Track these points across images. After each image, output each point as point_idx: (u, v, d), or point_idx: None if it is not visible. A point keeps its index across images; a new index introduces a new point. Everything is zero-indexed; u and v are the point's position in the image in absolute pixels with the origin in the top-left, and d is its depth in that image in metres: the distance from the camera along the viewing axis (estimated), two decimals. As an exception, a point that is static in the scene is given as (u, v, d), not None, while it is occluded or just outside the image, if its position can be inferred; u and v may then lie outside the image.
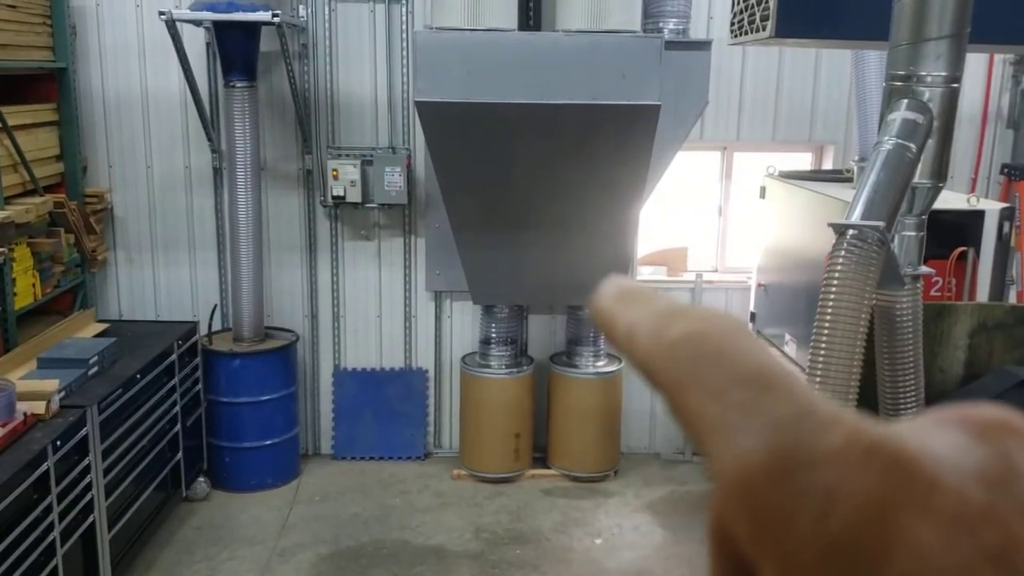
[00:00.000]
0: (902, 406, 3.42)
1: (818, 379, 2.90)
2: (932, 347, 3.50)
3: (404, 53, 6.05)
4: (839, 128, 6.37)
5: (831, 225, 2.91)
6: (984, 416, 0.31)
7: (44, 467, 3.97)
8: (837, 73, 6.21)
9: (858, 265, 2.85)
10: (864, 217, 2.90)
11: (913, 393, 3.41)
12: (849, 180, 5.50)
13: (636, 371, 0.36)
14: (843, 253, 2.86)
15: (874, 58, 5.14)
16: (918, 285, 3.29)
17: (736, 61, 6.16)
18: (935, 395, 3.51)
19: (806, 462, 0.30)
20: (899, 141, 2.99)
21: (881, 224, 2.84)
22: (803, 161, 6.62)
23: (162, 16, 5.23)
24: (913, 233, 3.23)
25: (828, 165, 6.50)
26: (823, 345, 2.88)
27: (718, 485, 0.32)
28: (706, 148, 6.51)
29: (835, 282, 2.87)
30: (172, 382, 5.43)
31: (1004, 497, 0.29)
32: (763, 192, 5.99)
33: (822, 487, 0.29)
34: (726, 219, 6.71)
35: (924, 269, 3.28)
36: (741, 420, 0.31)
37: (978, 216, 4.63)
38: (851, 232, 2.87)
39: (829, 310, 2.87)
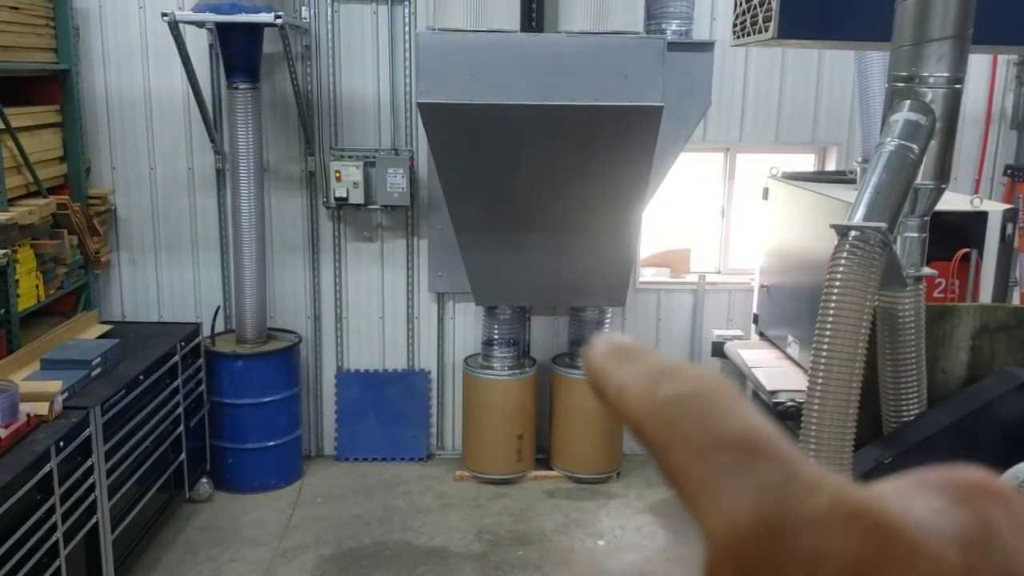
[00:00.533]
0: (904, 408, 3.42)
1: (820, 381, 2.90)
2: (934, 349, 3.49)
3: (407, 54, 6.05)
4: (842, 129, 6.36)
5: (833, 226, 2.91)
6: (965, 479, 0.32)
7: (47, 468, 3.98)
8: (840, 74, 6.21)
9: (860, 266, 2.85)
10: (866, 218, 2.90)
11: (915, 395, 3.41)
12: (852, 181, 5.49)
13: (627, 429, 0.36)
14: (845, 254, 2.86)
15: (877, 59, 5.13)
16: (920, 286, 3.28)
17: (739, 62, 6.16)
18: (937, 397, 3.50)
19: (792, 525, 0.31)
20: (901, 142, 2.99)
21: (883, 225, 2.84)
22: (806, 162, 6.61)
23: (165, 17, 5.24)
24: (916, 234, 3.23)
25: (831, 166, 6.50)
26: (825, 347, 2.88)
27: (708, 546, 0.32)
28: (709, 149, 6.51)
29: (837, 283, 2.87)
30: (175, 383, 5.44)
31: (982, 561, 0.30)
32: (766, 193, 5.98)
33: (808, 550, 0.30)
34: (729, 221, 6.70)
35: (927, 270, 3.28)
36: (728, 483, 0.32)
37: (981, 217, 4.62)
38: (853, 233, 2.87)
39: (831, 311, 2.87)
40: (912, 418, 3.39)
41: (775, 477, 0.32)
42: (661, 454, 0.34)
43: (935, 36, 2.98)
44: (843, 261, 2.86)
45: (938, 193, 3.17)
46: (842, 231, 2.89)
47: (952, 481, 0.32)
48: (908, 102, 3.05)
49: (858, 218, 2.90)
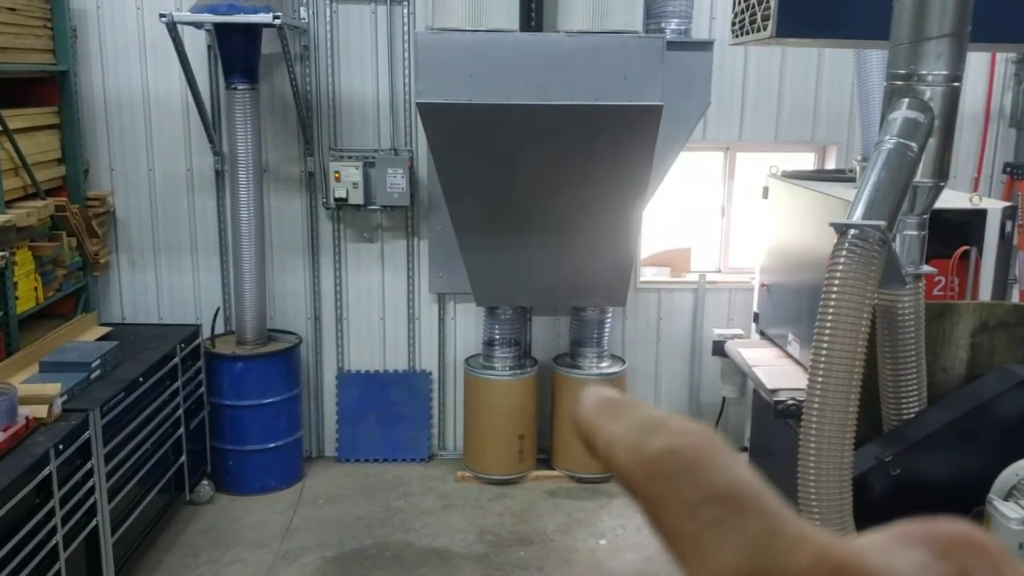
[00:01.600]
0: (904, 406, 3.41)
1: (820, 380, 2.90)
2: (934, 347, 3.48)
3: (406, 54, 6.05)
4: (841, 128, 6.36)
5: (832, 225, 2.90)
6: (946, 532, 0.33)
7: (46, 471, 3.97)
8: (839, 73, 6.20)
9: (859, 265, 2.84)
10: (865, 217, 2.89)
11: (915, 393, 3.40)
12: (852, 180, 5.48)
13: (617, 483, 0.37)
14: (844, 253, 2.86)
15: (876, 57, 5.12)
16: (920, 284, 3.28)
17: (738, 61, 6.15)
18: (937, 394, 3.49)
19: None
20: (900, 140, 2.98)
21: (882, 223, 2.84)
22: (806, 161, 6.60)
23: (163, 18, 5.24)
24: (915, 232, 3.23)
25: (831, 165, 6.49)
26: (825, 345, 2.87)
27: None
28: (708, 148, 6.50)
29: (836, 282, 2.86)
30: (175, 385, 5.43)
31: None
32: (766, 192, 5.98)
33: None
34: (729, 219, 6.69)
35: (926, 268, 3.27)
36: (715, 537, 0.33)
37: (980, 215, 4.61)
38: (852, 232, 2.86)
39: (831, 310, 2.87)
40: (912, 416, 3.38)
41: (760, 532, 0.32)
42: (650, 509, 0.35)
43: (933, 34, 2.97)
44: (842, 259, 2.85)
45: (937, 191, 3.17)
46: (841, 229, 2.89)
47: (934, 534, 0.33)
48: (907, 100, 3.04)
49: (857, 216, 2.90)
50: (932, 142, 3.05)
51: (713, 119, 6.17)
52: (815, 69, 6.26)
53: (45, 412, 4.25)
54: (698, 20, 5.82)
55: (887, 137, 3.01)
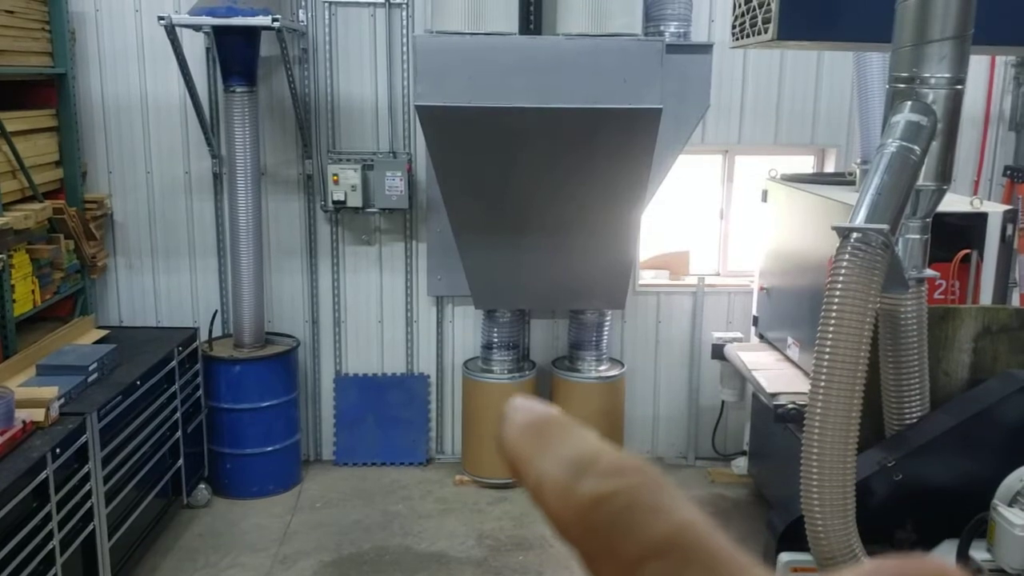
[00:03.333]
0: (907, 410, 3.40)
1: (822, 384, 2.88)
2: (937, 351, 3.47)
3: (405, 57, 6.03)
4: (841, 131, 6.35)
5: (835, 228, 2.89)
6: (920, 571, 0.31)
7: (43, 475, 3.94)
8: (839, 75, 6.20)
9: (862, 268, 2.83)
10: (868, 220, 2.88)
11: (918, 397, 3.39)
12: (852, 183, 5.48)
13: (549, 526, 0.34)
14: (847, 256, 2.85)
15: (876, 60, 5.12)
16: (922, 288, 3.27)
17: (737, 64, 6.15)
18: (940, 399, 3.48)
19: None
20: (903, 143, 2.97)
21: (885, 227, 2.82)
22: (805, 164, 6.60)
23: (161, 21, 5.22)
24: (917, 236, 3.22)
25: (830, 168, 6.48)
26: (827, 349, 2.86)
27: None
28: (707, 151, 6.49)
29: (839, 285, 2.85)
30: (172, 388, 5.41)
31: None
32: (765, 195, 5.97)
33: None
34: (728, 222, 6.68)
35: (928, 272, 3.26)
36: None
37: (981, 218, 4.61)
38: (855, 235, 2.85)
39: (833, 313, 2.85)
40: (915, 421, 3.37)
41: None
42: (587, 562, 0.32)
43: (936, 37, 2.96)
44: (845, 263, 2.84)
45: (939, 194, 3.16)
46: (844, 233, 2.87)
47: (907, 573, 0.31)
48: (909, 103, 3.03)
49: (860, 220, 2.89)
50: (935, 145, 3.04)
51: (712, 122, 6.16)
52: (814, 71, 6.26)
53: (42, 415, 4.22)
54: (697, 23, 5.82)
55: (889, 140, 3.00)
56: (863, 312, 2.82)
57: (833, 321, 2.84)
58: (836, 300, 2.83)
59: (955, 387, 3.53)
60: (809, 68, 6.24)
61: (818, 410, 2.88)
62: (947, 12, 2.94)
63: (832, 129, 6.35)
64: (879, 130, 5.12)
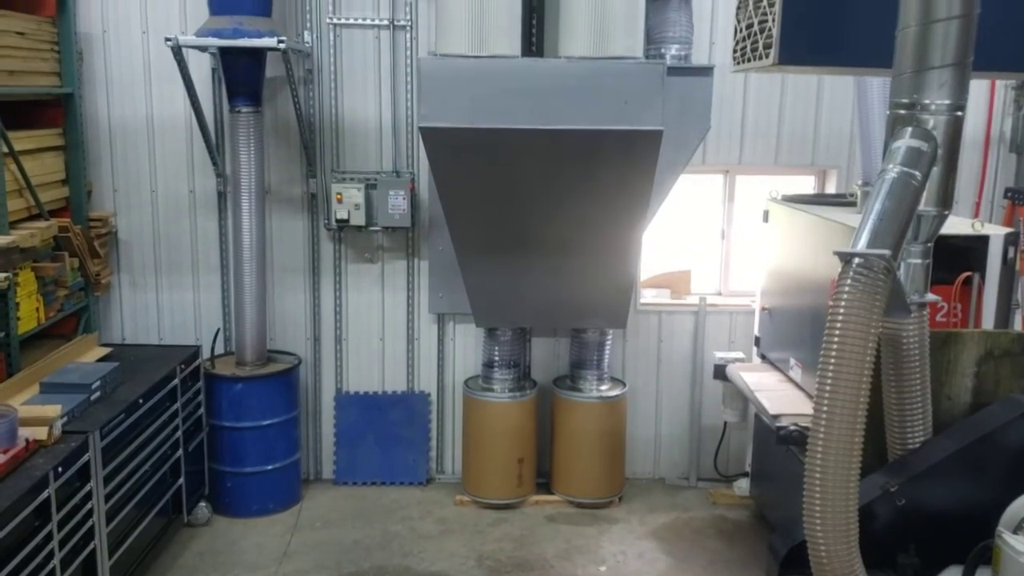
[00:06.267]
0: (910, 435, 3.40)
1: (825, 409, 2.88)
2: (939, 375, 3.48)
3: (408, 78, 6.08)
4: (842, 152, 6.38)
5: (837, 253, 2.90)
6: None
7: (45, 494, 3.94)
8: (839, 97, 6.23)
9: (864, 293, 2.84)
10: (870, 245, 2.90)
11: (921, 422, 3.39)
12: (853, 204, 5.50)
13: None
14: (849, 281, 2.86)
15: (876, 83, 5.15)
16: (924, 313, 3.28)
17: (738, 85, 6.19)
18: (943, 423, 3.48)
19: None
20: (904, 169, 2.99)
21: (887, 253, 2.84)
22: (806, 184, 6.63)
23: (168, 42, 5.26)
24: (919, 260, 3.23)
25: (831, 188, 6.51)
26: (830, 374, 2.86)
27: None
28: (709, 172, 6.52)
29: (841, 310, 2.86)
30: (174, 407, 5.41)
31: None
32: (766, 216, 6.00)
33: None
34: (729, 242, 6.70)
35: (931, 296, 3.27)
36: None
37: (983, 241, 4.62)
38: (857, 260, 2.86)
39: (836, 338, 2.86)
40: (917, 445, 3.37)
41: None
42: None
43: (936, 64, 2.99)
44: (847, 288, 2.85)
45: (941, 219, 3.18)
46: (846, 258, 2.89)
47: None
48: (910, 129, 3.06)
49: (862, 245, 2.90)
50: (936, 171, 3.06)
51: (713, 143, 6.19)
52: (815, 93, 6.30)
53: (45, 434, 4.22)
54: (698, 45, 5.85)
55: (891, 165, 3.02)
56: (865, 337, 2.83)
57: (835, 346, 2.84)
58: (838, 325, 2.84)
59: (958, 411, 3.53)
60: (810, 90, 6.28)
61: (821, 435, 2.88)
62: (947, 39, 2.97)
63: (833, 150, 6.38)
64: (879, 152, 5.15)
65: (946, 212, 3.16)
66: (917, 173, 2.99)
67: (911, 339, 3.25)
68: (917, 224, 3.13)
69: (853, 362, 2.83)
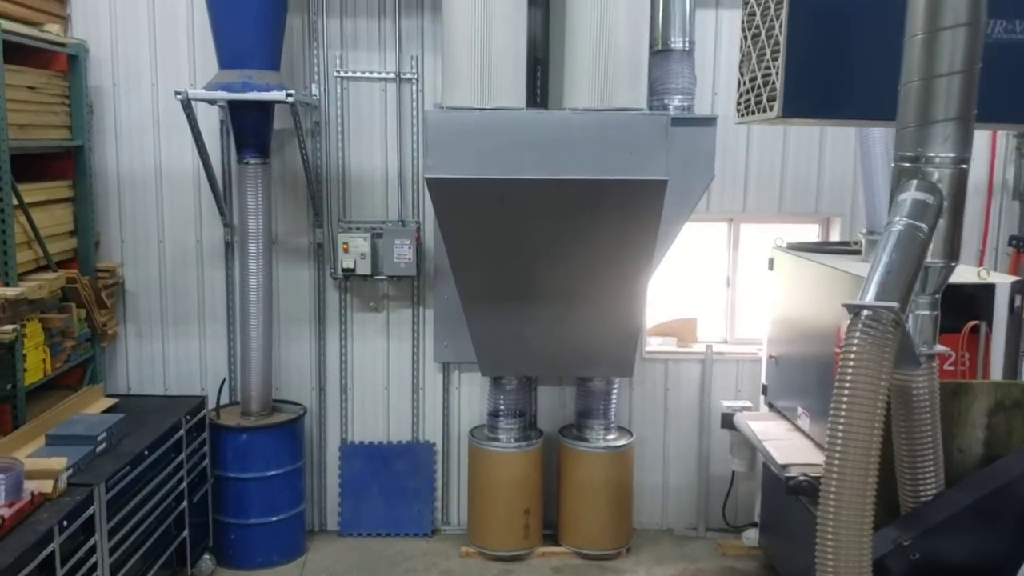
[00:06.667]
0: (922, 488, 3.36)
1: (837, 462, 2.86)
2: (950, 427, 3.45)
3: (414, 129, 6.15)
4: (845, 200, 6.42)
5: (845, 305, 2.90)
6: None
7: (50, 548, 3.91)
8: (842, 145, 6.29)
9: (873, 346, 2.83)
10: (878, 298, 2.89)
11: (933, 474, 3.35)
12: (857, 252, 5.52)
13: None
14: (858, 334, 2.85)
15: (878, 132, 5.20)
16: (934, 364, 3.26)
17: (741, 135, 6.25)
18: (955, 475, 3.45)
19: None
20: (910, 221, 3.00)
21: (895, 305, 2.84)
22: (810, 232, 6.65)
23: (178, 96, 5.34)
24: (927, 312, 3.22)
25: (835, 236, 6.53)
26: (841, 427, 2.84)
27: None
28: (713, 220, 6.56)
29: (851, 363, 2.85)
30: (180, 458, 5.38)
31: None
32: (771, 264, 6.01)
33: None
34: (734, 290, 6.71)
35: (939, 348, 3.26)
36: None
37: (989, 289, 4.62)
38: (865, 313, 2.86)
39: (846, 391, 2.84)
40: (930, 498, 3.33)
41: None
42: None
43: (940, 118, 3.02)
44: (856, 340, 2.85)
45: (948, 271, 3.18)
46: (854, 310, 2.89)
47: None
48: (915, 182, 3.08)
49: (870, 297, 2.90)
50: (942, 223, 3.07)
51: (717, 191, 6.24)
52: (817, 142, 6.36)
53: (51, 487, 4.20)
54: (701, 96, 5.91)
55: (897, 218, 3.03)
56: (875, 390, 2.81)
57: (846, 399, 2.82)
58: (848, 378, 2.83)
59: (970, 463, 3.50)
60: (812, 138, 6.34)
61: (832, 489, 2.85)
62: (949, 94, 3.00)
63: (836, 198, 6.42)
64: (883, 200, 5.21)
65: (953, 264, 3.17)
66: (923, 225, 3.00)
67: (921, 391, 3.23)
68: (925, 276, 3.13)
69: (864, 415, 2.81)
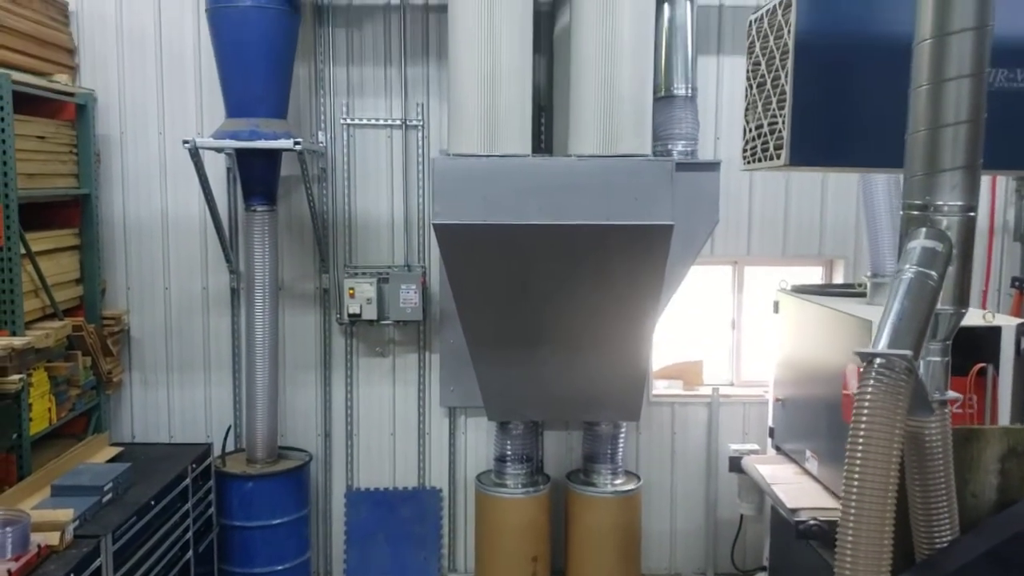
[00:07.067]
0: (936, 534, 3.35)
1: (853, 510, 2.85)
2: (962, 472, 3.44)
3: (420, 175, 6.21)
4: (848, 242, 6.46)
5: (858, 353, 2.91)
6: None
7: (56, 603, 3.87)
8: (844, 187, 6.35)
9: (887, 393, 2.84)
10: (891, 345, 2.90)
11: (947, 520, 3.34)
12: (861, 295, 5.54)
13: None
14: (872, 381, 2.86)
15: (881, 178, 5.25)
16: (946, 410, 3.26)
17: (744, 178, 6.30)
18: (968, 521, 3.43)
19: None
20: (920, 269, 3.03)
21: (909, 353, 2.85)
22: (814, 274, 6.68)
23: (186, 144, 5.39)
24: (938, 358, 3.23)
25: (838, 278, 6.56)
26: (856, 475, 2.83)
27: None
28: (717, 263, 6.59)
29: (865, 411, 2.85)
30: (185, 507, 5.34)
31: None
32: (776, 306, 6.02)
33: None
34: (740, 332, 6.72)
35: (952, 394, 3.26)
36: None
37: (995, 332, 4.63)
38: (878, 361, 2.87)
39: (860, 439, 2.84)
40: (945, 545, 3.31)
41: None
42: None
43: (947, 167, 3.05)
44: (870, 388, 2.85)
45: (959, 317, 3.19)
46: (867, 358, 2.89)
47: None
48: (924, 229, 3.10)
49: (883, 345, 2.91)
50: (951, 270, 3.09)
51: (721, 234, 6.28)
52: (819, 184, 6.41)
53: (57, 539, 4.16)
54: (703, 139, 5.99)
55: (907, 266, 3.05)
56: (890, 437, 2.81)
57: (860, 447, 2.82)
58: (863, 426, 2.83)
59: (983, 509, 3.48)
60: (814, 181, 6.40)
61: (849, 538, 2.84)
62: (956, 143, 3.04)
63: (839, 240, 6.46)
64: (887, 243, 5.24)
65: (963, 310, 3.19)
66: (933, 273, 3.02)
67: (934, 437, 3.23)
68: (935, 323, 3.14)
69: (879, 463, 2.81)
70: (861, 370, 2.97)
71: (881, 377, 2.86)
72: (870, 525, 2.83)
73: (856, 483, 2.84)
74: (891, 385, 2.85)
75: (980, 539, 3.27)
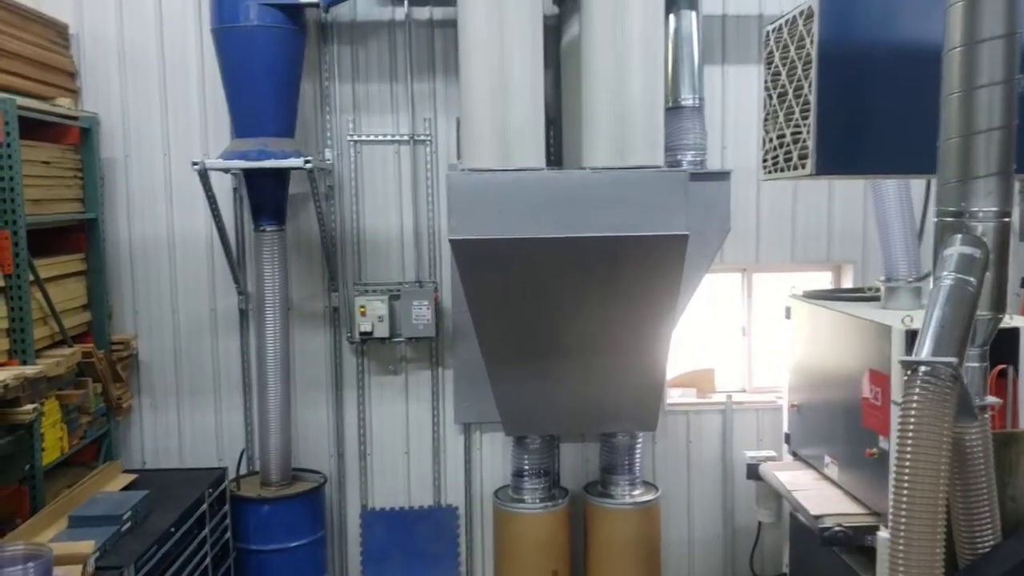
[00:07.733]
0: (979, 539, 3.35)
1: (903, 520, 2.84)
2: (1002, 476, 3.45)
3: (429, 190, 6.17)
4: (855, 247, 6.47)
5: (903, 362, 2.91)
6: None
7: (83, 638, 3.80)
8: (851, 193, 6.36)
9: (934, 402, 2.84)
10: (934, 353, 2.91)
11: (989, 525, 3.34)
12: (874, 299, 5.54)
13: None
14: (918, 390, 2.86)
15: (891, 182, 5.26)
16: (986, 415, 3.27)
17: (751, 187, 6.31)
18: (1008, 525, 3.44)
19: None
20: (959, 276, 3.04)
21: (954, 360, 2.85)
22: (823, 280, 6.70)
23: (195, 166, 5.34)
24: (977, 364, 3.24)
25: (847, 283, 6.58)
26: (906, 484, 2.83)
27: None
28: (726, 270, 6.59)
29: (912, 420, 2.85)
30: (203, 533, 5.27)
31: None
32: (788, 312, 6.03)
33: None
34: (751, 339, 6.72)
35: (991, 399, 3.28)
36: None
37: (1014, 333, 4.65)
38: (923, 369, 2.87)
39: (909, 448, 2.84)
40: (988, 550, 3.31)
41: None
42: None
43: (981, 173, 3.07)
44: (916, 397, 2.85)
45: (996, 323, 3.21)
46: (911, 366, 2.89)
47: None
48: (960, 236, 3.11)
49: (926, 353, 2.91)
50: (988, 275, 3.10)
51: (730, 242, 6.24)
52: (826, 190, 6.43)
53: (79, 573, 4.09)
54: (711, 149, 5.99)
55: (945, 273, 3.06)
56: (939, 445, 2.81)
57: (909, 456, 2.82)
58: (911, 434, 2.83)
59: (1023, 512, 3.49)
60: (821, 187, 6.41)
61: (901, 548, 2.83)
62: (989, 150, 3.05)
63: (847, 246, 6.47)
64: (899, 248, 5.25)
65: (1000, 316, 3.19)
66: (972, 279, 3.03)
67: (975, 442, 3.24)
68: (974, 329, 3.15)
69: (929, 471, 2.81)
70: (905, 378, 2.97)
71: (927, 385, 2.86)
72: (921, 535, 2.82)
73: (907, 492, 2.84)
74: (937, 393, 2.85)
75: (1022, 544, 3.28)
